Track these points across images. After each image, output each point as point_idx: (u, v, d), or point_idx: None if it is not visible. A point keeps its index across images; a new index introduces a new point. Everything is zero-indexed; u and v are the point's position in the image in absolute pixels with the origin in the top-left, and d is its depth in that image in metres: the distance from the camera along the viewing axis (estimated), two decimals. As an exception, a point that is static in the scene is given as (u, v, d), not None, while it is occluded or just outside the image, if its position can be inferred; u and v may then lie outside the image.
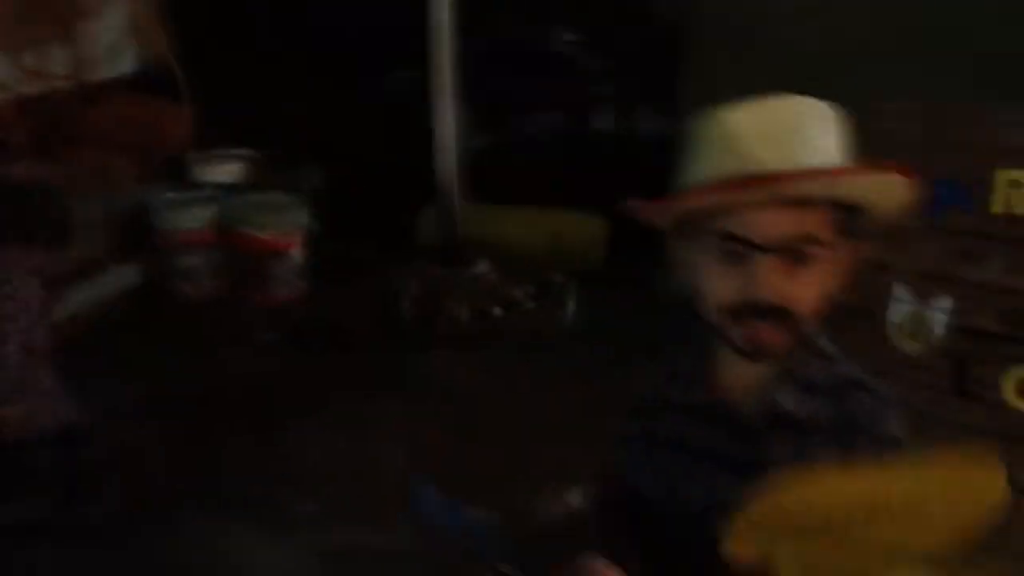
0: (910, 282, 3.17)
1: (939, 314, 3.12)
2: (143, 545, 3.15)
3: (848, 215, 1.25)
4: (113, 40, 4.45)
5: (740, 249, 1.21)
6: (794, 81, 4.43)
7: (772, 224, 1.20)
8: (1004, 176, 2.96)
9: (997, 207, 2.98)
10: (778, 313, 1.22)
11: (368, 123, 5.50)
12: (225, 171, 5.32)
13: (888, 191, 1.25)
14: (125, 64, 4.52)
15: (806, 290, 1.24)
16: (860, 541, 1.06)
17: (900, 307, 3.20)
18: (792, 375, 1.30)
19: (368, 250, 5.11)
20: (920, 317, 3.16)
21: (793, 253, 1.21)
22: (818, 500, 1.07)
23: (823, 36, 3.95)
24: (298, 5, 5.63)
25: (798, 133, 1.22)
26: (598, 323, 4.49)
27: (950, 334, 3.10)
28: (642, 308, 4.09)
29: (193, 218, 5.04)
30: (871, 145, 3.33)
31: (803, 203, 1.20)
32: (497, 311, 4.62)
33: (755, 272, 1.20)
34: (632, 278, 4.26)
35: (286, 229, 5.01)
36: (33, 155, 4.01)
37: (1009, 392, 2.99)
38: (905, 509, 1.06)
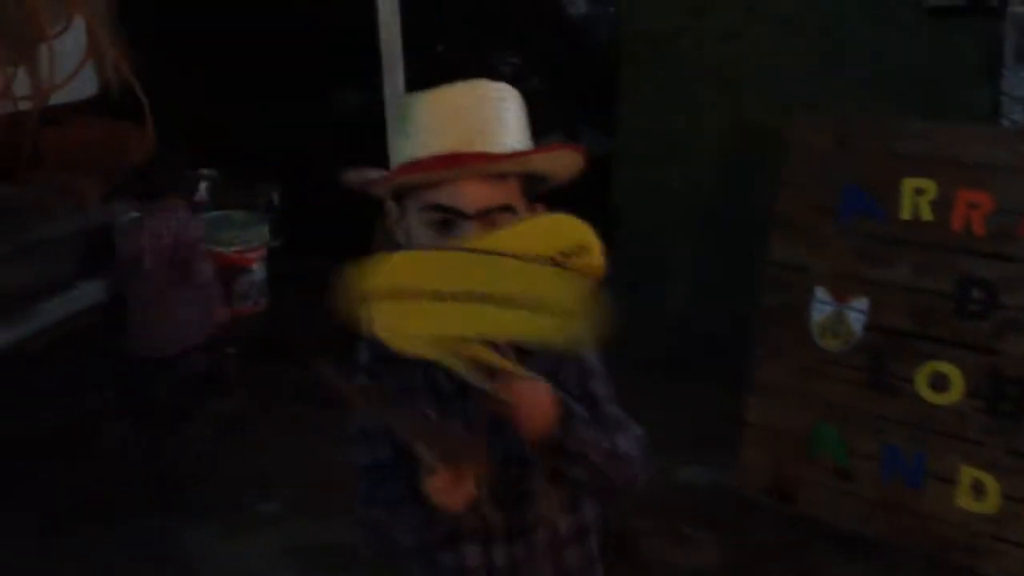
0: (829, 284, 3.38)
1: (856, 314, 3.32)
2: (112, 544, 3.30)
3: (531, 182, 1.48)
4: (74, 64, 4.57)
5: (447, 217, 1.42)
6: (719, 96, 4.62)
7: (474, 195, 1.40)
8: (909, 184, 3.17)
9: (905, 213, 3.20)
10: None
11: (324, 141, 5.67)
12: (186, 189, 5.44)
13: (565, 163, 1.49)
14: (88, 87, 4.66)
15: None
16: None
17: (821, 308, 3.39)
18: None
19: (327, 264, 5.25)
20: (839, 317, 3.35)
21: (491, 219, 1.42)
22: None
23: (746, 55, 4.15)
24: (255, 27, 5.79)
25: (492, 114, 1.45)
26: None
27: (867, 332, 3.30)
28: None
29: (156, 236, 5.16)
30: (788, 153, 3.53)
31: (501, 176, 1.43)
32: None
33: (460, 236, 1.41)
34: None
35: (247, 245, 5.15)
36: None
37: (922, 386, 3.20)
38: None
